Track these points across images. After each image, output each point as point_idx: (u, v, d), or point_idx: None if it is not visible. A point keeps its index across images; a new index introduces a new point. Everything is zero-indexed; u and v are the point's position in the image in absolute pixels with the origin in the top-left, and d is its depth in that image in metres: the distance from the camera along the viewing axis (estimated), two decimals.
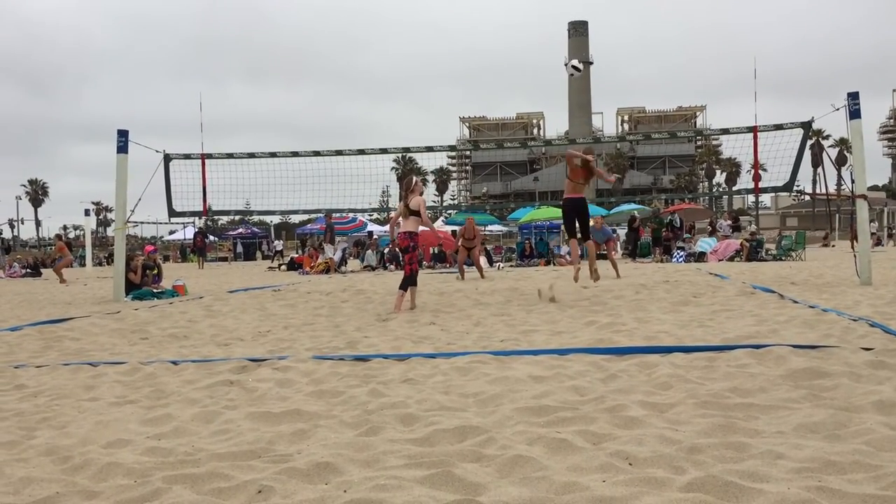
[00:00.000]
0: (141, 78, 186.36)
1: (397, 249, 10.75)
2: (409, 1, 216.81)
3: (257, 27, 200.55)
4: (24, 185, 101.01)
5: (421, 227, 9.78)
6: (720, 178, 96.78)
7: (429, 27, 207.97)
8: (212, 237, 41.92)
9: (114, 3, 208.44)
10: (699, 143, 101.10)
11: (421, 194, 9.66)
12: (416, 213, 9.50)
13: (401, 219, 9.67)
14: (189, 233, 47.44)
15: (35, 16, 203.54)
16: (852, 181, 11.26)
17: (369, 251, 26.12)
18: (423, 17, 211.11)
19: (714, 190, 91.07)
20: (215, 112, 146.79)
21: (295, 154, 13.84)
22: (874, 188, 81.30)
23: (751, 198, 75.88)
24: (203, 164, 13.32)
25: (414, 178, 9.78)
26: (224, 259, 44.28)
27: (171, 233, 53.71)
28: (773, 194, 71.16)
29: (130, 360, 5.85)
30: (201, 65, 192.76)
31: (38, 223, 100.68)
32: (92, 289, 16.41)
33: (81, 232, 57.85)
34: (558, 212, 32.44)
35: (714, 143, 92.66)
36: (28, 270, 27.10)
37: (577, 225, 10.08)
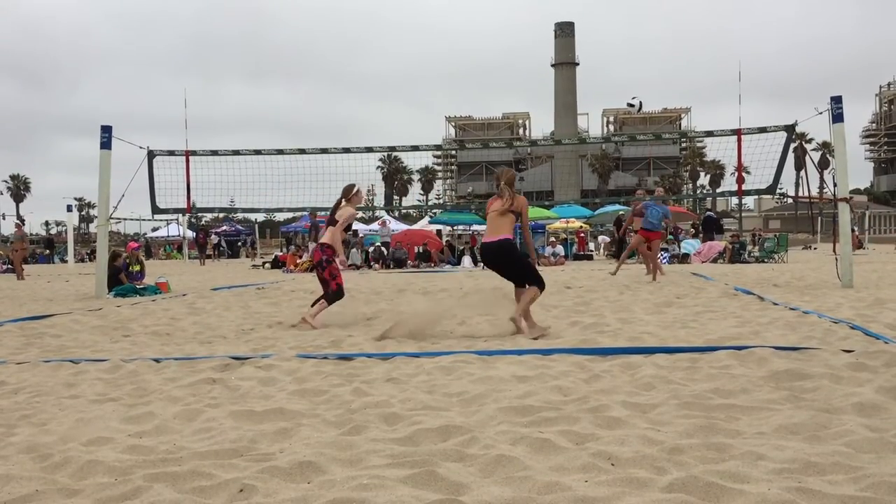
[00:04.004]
0: (136, 75, 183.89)
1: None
2: (402, 2, 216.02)
3: (256, 26, 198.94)
4: (6, 181, 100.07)
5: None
6: (704, 180, 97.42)
7: (420, 27, 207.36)
8: (191, 233, 41.70)
9: (112, 1, 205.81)
10: (684, 144, 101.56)
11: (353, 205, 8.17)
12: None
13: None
14: (173, 230, 47.24)
15: (32, 10, 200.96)
16: (834, 184, 11.35)
17: (354, 250, 26.04)
18: (416, 17, 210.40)
19: (698, 192, 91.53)
20: (212, 110, 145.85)
21: (280, 152, 13.78)
22: (856, 191, 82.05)
23: (734, 200, 76.45)
24: (187, 161, 13.22)
25: (356, 187, 8.21)
26: (208, 256, 44.06)
27: (155, 230, 53.30)
28: (756, 197, 71.76)
29: (112, 357, 5.81)
30: (199, 63, 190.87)
31: (19, 219, 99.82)
32: (74, 285, 16.28)
33: (64, 228, 57.40)
34: (543, 212, 32.78)
35: (698, 145, 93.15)
36: (8, 267, 26.83)
37: None
